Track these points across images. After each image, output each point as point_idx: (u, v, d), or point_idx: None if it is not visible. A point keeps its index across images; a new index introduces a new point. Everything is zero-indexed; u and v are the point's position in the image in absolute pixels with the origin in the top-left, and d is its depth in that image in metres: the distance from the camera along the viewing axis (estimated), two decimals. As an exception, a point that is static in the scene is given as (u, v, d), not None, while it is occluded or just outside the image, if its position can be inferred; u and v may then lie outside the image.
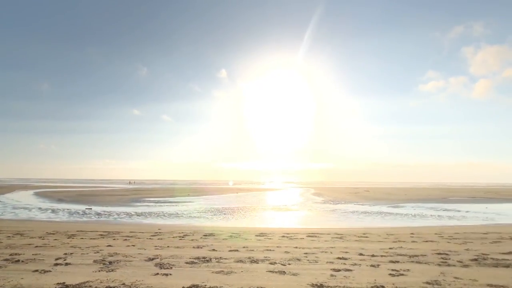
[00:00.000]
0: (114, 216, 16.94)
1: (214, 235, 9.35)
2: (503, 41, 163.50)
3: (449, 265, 5.66)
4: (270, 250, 7.03)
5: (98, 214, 17.98)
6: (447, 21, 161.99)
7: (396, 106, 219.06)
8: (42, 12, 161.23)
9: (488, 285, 4.47)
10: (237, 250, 6.92)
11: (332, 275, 4.91)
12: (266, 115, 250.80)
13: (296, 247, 7.39)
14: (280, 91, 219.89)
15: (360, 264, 5.64)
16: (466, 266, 5.59)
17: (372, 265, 5.59)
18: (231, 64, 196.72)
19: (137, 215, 17.45)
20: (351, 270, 5.20)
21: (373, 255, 6.43)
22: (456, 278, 4.79)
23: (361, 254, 6.51)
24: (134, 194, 37.87)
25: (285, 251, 6.86)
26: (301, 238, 8.93)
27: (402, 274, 4.99)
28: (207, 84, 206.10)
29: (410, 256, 6.36)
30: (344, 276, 4.86)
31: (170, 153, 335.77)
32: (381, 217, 17.45)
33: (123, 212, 18.75)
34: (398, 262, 5.86)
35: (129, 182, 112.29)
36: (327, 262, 5.81)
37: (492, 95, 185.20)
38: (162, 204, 25.35)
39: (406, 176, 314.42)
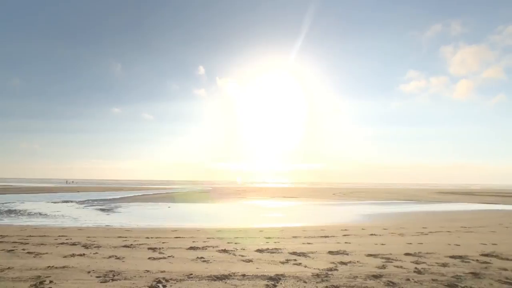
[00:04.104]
0: None
1: None
2: (481, 41, 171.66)
3: None
4: None
5: None
6: (424, 19, 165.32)
7: (384, 107, 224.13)
8: (23, 11, 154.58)
9: None
10: None
11: None
12: (257, 115, 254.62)
13: None
14: (270, 91, 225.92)
15: None
16: None
17: None
18: (224, 66, 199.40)
19: None
20: None
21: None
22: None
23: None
24: None
25: None
26: None
27: None
28: (192, 84, 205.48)
29: None
30: None
31: (160, 153, 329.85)
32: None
33: None
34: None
35: (66, 181, 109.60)
36: None
37: (473, 96, 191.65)
38: None
39: (395, 177, 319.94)
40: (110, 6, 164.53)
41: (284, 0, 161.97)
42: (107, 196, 33.99)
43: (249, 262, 5.79)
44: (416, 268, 5.33)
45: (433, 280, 4.66)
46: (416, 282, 4.54)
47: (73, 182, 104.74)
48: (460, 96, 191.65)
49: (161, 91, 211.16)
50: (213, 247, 7.15)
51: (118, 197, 32.70)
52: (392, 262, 5.80)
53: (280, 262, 5.78)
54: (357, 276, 4.81)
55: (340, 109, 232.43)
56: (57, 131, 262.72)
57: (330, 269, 5.21)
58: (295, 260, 5.93)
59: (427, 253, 6.61)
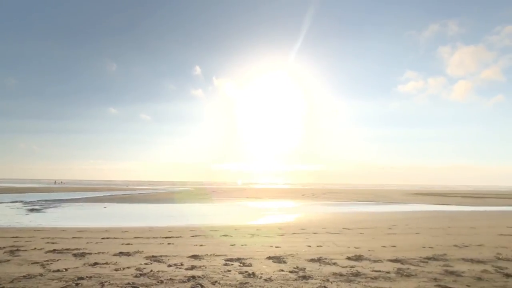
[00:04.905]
0: None
1: None
2: (478, 41, 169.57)
3: None
4: None
5: None
6: (422, 19, 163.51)
7: (382, 108, 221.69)
8: (19, 10, 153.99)
9: None
10: None
11: None
12: (255, 116, 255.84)
13: None
14: (268, 92, 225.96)
15: None
16: None
17: None
18: (221, 66, 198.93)
19: None
20: None
21: None
22: None
23: None
24: None
25: None
26: None
27: None
28: (190, 85, 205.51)
29: None
30: None
31: (159, 154, 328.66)
32: None
33: None
34: None
35: (55, 182, 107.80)
36: None
37: (471, 97, 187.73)
38: None
39: (393, 178, 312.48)
40: (107, 6, 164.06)
41: (282, 1, 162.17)
42: (70, 196, 33.84)
43: (36, 264, 5.71)
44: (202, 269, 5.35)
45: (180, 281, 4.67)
46: (155, 281, 4.55)
47: (61, 182, 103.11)
48: (458, 97, 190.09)
49: (158, 92, 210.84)
50: (35, 250, 7.04)
51: (79, 197, 32.57)
52: (200, 260, 5.82)
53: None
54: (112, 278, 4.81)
55: (338, 109, 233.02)
56: (55, 132, 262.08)
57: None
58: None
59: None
